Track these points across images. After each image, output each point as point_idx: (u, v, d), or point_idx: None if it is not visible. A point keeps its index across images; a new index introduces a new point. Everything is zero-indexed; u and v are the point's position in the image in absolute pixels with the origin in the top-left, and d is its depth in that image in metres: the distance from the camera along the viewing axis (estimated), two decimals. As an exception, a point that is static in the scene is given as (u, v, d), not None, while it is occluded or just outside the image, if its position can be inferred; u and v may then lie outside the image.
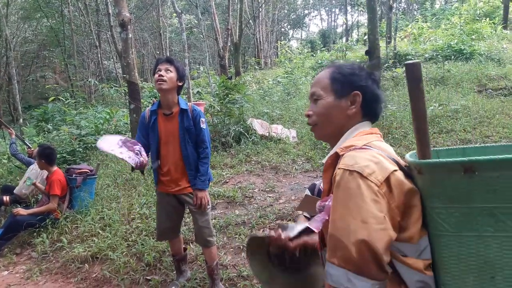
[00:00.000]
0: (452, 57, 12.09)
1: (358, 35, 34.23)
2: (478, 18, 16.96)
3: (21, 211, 4.45)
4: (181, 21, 10.95)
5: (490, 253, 0.91)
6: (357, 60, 13.76)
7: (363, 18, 38.35)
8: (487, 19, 16.13)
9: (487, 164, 0.87)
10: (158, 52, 23.60)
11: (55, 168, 4.75)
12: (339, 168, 1.05)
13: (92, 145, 7.70)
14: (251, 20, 20.80)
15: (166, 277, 3.41)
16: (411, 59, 10.36)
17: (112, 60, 21.21)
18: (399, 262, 1.02)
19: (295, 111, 9.38)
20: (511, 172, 0.86)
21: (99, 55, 19.43)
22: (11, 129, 6.10)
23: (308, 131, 7.21)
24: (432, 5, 29.15)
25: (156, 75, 2.74)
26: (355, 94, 1.23)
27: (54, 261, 3.98)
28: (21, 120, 14.16)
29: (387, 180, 1.00)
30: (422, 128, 0.98)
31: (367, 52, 10.81)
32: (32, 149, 5.73)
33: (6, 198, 5.17)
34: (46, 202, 4.64)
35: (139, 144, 2.74)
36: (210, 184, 5.34)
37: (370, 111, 1.27)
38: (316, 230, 1.14)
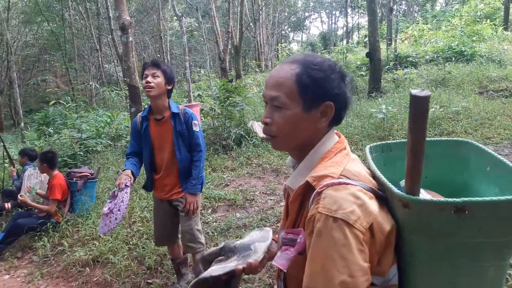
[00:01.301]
0: (453, 58, 12.08)
1: (358, 37, 34.27)
2: (478, 19, 16.96)
3: (24, 198, 4.52)
4: (181, 24, 10.98)
5: (460, 280, 0.96)
6: (358, 63, 13.79)
7: (364, 20, 38.42)
8: (488, 20, 16.14)
9: (479, 205, 0.87)
10: (159, 56, 23.66)
11: (56, 172, 4.76)
12: (319, 213, 0.93)
13: (93, 148, 7.71)
14: (252, 23, 20.84)
15: (167, 280, 3.40)
16: (412, 61, 10.27)
17: (113, 63, 21.29)
18: None
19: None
20: (498, 212, 0.88)
21: (99, 59, 19.51)
22: (15, 166, 6.09)
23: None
24: (433, 7, 29.17)
25: (144, 81, 2.69)
26: (327, 105, 1.05)
27: (55, 264, 3.98)
28: (22, 124, 14.17)
29: (371, 226, 0.93)
30: (417, 165, 0.93)
31: (367, 54, 10.86)
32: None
33: (7, 205, 5.22)
34: (47, 205, 4.65)
35: (119, 191, 2.65)
36: (209, 187, 5.35)
37: (339, 118, 1.11)
38: (283, 269, 1.00)
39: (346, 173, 1.00)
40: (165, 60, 20.31)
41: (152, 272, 3.55)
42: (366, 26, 16.66)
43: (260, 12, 21.26)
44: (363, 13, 33.49)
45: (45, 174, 4.83)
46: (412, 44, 16.03)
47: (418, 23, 19.57)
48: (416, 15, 29.07)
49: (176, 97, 13.11)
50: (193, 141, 2.81)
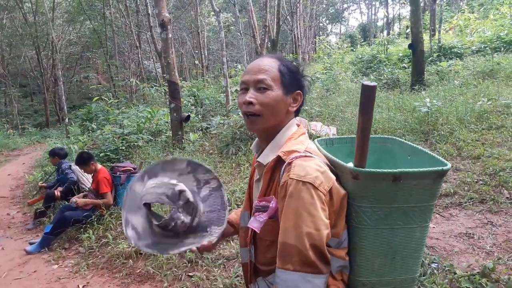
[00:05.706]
0: (502, 49, 11.44)
1: (400, 28, 33.17)
2: (530, 6, 15.97)
3: (80, 200, 4.64)
4: (219, 19, 11.03)
5: (396, 241, 1.18)
6: (400, 55, 13.36)
7: (405, 11, 37.13)
8: (541, 7, 15.17)
9: (411, 174, 1.12)
10: (196, 52, 23.90)
11: (100, 166, 4.89)
12: (291, 178, 1.11)
13: (135, 143, 7.89)
14: (289, 16, 20.62)
15: (207, 273, 3.42)
16: (457, 52, 9.80)
17: (152, 60, 21.72)
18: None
19: (335, 107, 9.18)
20: (424, 181, 1.13)
21: (139, 56, 19.92)
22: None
23: (348, 128, 7.03)
24: (479, -6, 27.75)
25: None
26: (298, 93, 1.30)
27: (100, 256, 4.11)
28: (66, 120, 14.79)
29: (330, 189, 1.13)
30: (365, 144, 1.13)
31: (410, 46, 10.47)
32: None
33: (57, 192, 5.42)
34: (92, 198, 4.79)
35: None
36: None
37: (300, 109, 1.35)
38: (257, 231, 1.19)
39: (309, 150, 1.22)
40: (202, 55, 20.46)
41: (193, 265, 3.58)
42: (408, 17, 16.09)
43: (298, 5, 21.00)
44: (404, 3, 32.38)
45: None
46: (457, 35, 15.35)
47: (464, 12, 18.71)
48: (461, 3, 27.79)
49: (214, 92, 13.20)
50: None
